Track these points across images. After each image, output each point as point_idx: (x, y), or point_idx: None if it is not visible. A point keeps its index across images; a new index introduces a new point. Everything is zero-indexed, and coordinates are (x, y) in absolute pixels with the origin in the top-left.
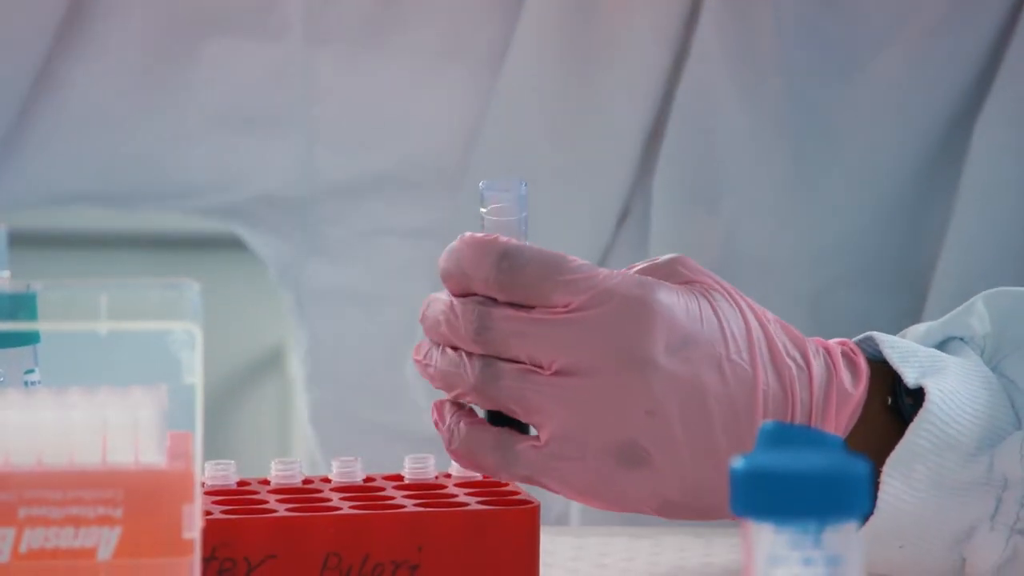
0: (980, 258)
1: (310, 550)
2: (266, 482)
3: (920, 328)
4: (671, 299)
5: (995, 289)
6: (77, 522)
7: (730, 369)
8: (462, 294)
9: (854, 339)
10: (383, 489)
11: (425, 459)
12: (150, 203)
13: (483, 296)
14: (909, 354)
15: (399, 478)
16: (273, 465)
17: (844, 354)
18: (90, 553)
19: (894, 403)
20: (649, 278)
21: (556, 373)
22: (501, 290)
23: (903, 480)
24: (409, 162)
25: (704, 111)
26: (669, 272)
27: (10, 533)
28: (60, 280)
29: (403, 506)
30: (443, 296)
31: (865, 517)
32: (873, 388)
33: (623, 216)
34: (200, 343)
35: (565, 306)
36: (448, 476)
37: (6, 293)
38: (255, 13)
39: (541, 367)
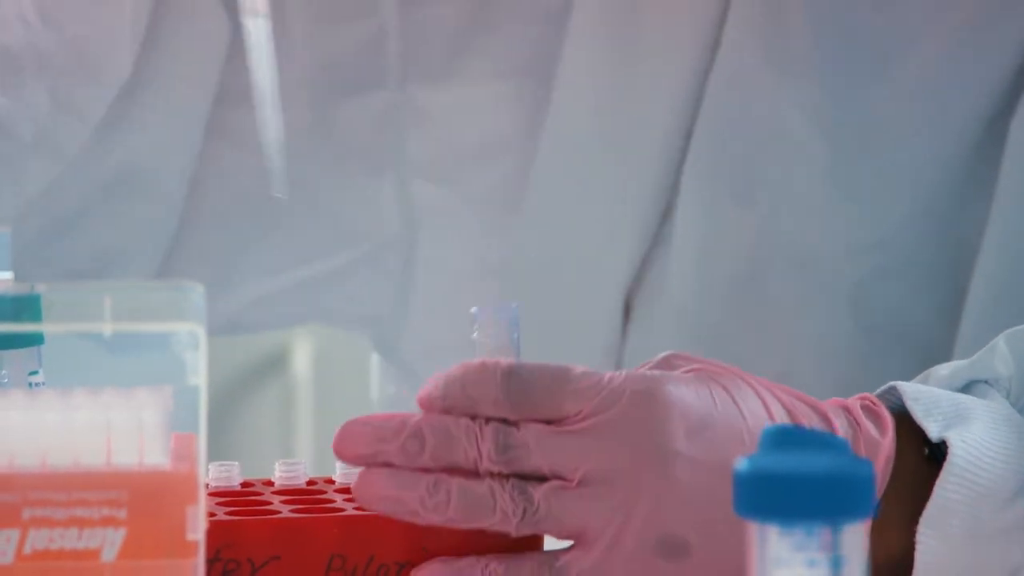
0: (1020, 255)
1: (314, 551)
2: (270, 483)
3: (943, 371)
4: (679, 388)
5: (1016, 328)
6: (81, 523)
7: (753, 443)
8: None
9: (877, 391)
10: None
11: None
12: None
13: (490, 418)
14: (932, 405)
15: None
16: (277, 466)
17: (864, 407)
18: (94, 554)
19: (931, 454)
20: (654, 372)
21: (581, 483)
22: (512, 410)
23: (939, 538)
24: (482, 185)
25: (736, 104)
26: (667, 367)
27: (15, 534)
28: (64, 282)
29: None
30: (444, 422)
31: (872, 516)
32: (905, 441)
33: (666, 213)
34: (204, 344)
35: (576, 415)
36: None
37: (10, 295)
38: (363, 61)
39: (564, 479)
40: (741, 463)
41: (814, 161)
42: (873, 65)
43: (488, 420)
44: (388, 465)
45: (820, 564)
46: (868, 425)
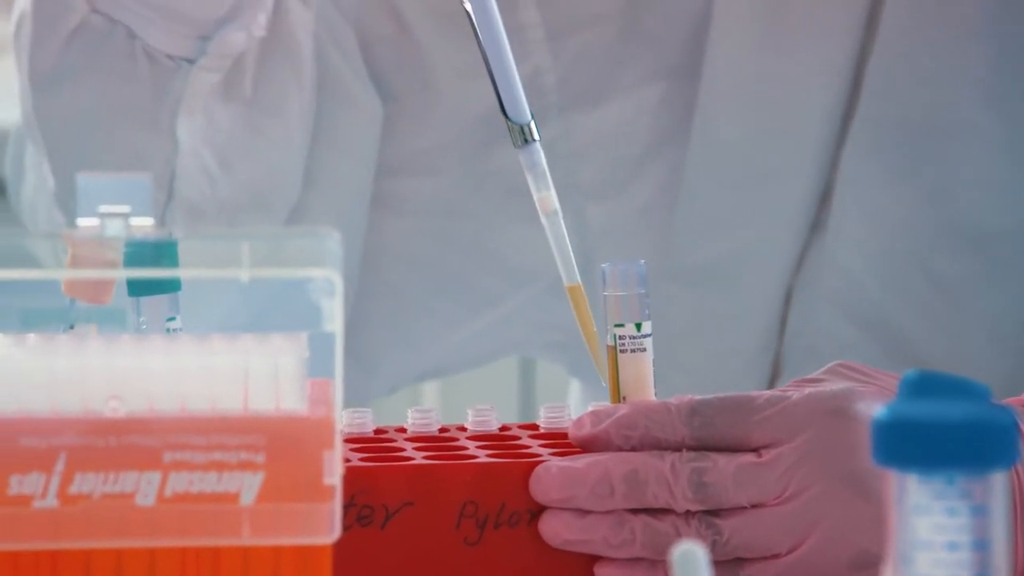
0: None
1: (447, 498)
2: (403, 430)
3: None
4: (868, 406)
5: None
6: (220, 467)
7: None
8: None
9: None
10: (519, 438)
11: (560, 408)
12: None
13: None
14: None
15: (535, 427)
16: (410, 413)
17: None
18: (233, 497)
19: None
20: (840, 388)
21: (774, 507)
22: (699, 445)
23: None
24: (643, 194)
25: (900, 82)
26: (837, 378)
27: (156, 477)
28: (201, 230)
29: (539, 455)
30: (632, 465)
31: (1011, 467)
32: None
33: (823, 199)
34: (340, 291)
35: (768, 444)
36: None
37: (149, 241)
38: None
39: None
40: (881, 412)
41: (987, 137)
42: None
43: (682, 455)
44: (579, 510)
45: (961, 513)
46: None
